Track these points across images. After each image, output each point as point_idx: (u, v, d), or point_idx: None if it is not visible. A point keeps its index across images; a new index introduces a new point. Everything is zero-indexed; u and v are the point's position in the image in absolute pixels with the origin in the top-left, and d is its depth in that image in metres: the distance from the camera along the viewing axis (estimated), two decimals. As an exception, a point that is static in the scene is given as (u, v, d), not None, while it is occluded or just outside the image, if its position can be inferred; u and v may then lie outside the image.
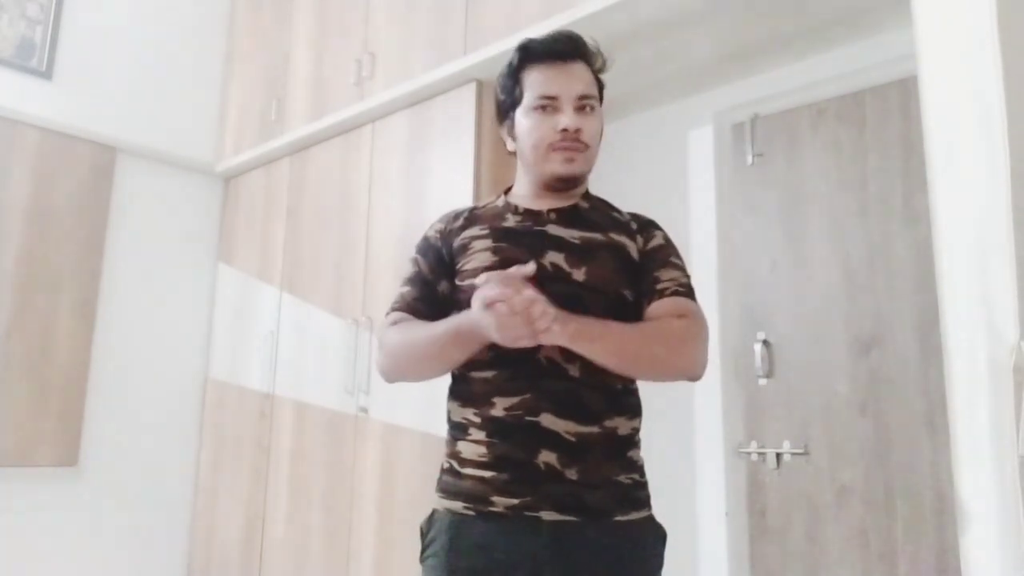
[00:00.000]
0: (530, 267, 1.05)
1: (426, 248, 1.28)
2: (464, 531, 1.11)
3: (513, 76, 1.24)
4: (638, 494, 1.15)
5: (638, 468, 1.17)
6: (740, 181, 2.36)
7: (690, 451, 2.30)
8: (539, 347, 1.11)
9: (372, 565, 2.26)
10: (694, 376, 1.17)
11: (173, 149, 3.16)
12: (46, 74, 2.81)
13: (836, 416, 2.05)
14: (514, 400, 1.11)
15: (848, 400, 2.04)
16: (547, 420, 1.09)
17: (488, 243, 1.20)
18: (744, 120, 2.36)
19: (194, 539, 3.10)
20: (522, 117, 1.22)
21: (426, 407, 2.18)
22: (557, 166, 1.20)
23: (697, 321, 1.16)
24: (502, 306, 1.00)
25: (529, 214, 1.23)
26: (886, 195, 2.06)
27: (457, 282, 1.21)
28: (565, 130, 1.17)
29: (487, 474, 1.11)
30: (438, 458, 1.21)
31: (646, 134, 2.59)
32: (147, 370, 3.06)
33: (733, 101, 2.37)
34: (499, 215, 1.25)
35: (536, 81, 1.21)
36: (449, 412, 1.21)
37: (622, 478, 1.13)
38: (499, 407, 1.12)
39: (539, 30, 1.32)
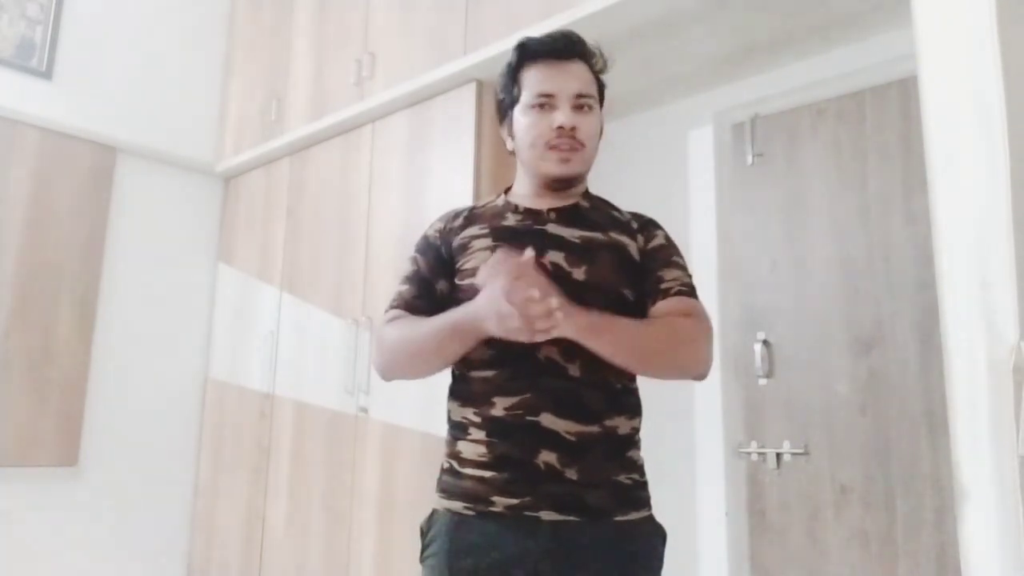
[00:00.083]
0: (528, 255, 1.05)
1: (425, 247, 1.28)
2: (464, 531, 1.11)
3: (512, 75, 1.25)
4: (638, 494, 1.15)
5: (638, 468, 1.17)
6: (740, 181, 2.36)
7: (690, 451, 2.30)
8: (539, 346, 1.11)
9: (372, 565, 2.26)
10: (700, 375, 1.17)
11: (173, 149, 3.16)
12: (46, 74, 2.81)
13: (836, 416, 2.05)
14: (514, 400, 1.11)
15: (848, 400, 2.04)
16: (547, 420, 1.09)
17: (488, 242, 1.20)
18: (744, 120, 2.36)
19: (194, 539, 3.10)
20: (519, 115, 1.23)
21: (426, 407, 2.18)
22: (552, 166, 1.20)
23: (703, 320, 1.17)
24: (503, 301, 1.00)
25: (529, 213, 1.23)
26: (886, 195, 2.06)
27: (457, 281, 1.21)
28: (561, 128, 1.17)
29: (487, 474, 1.11)
30: (438, 458, 1.21)
31: (646, 134, 2.59)
32: (147, 370, 3.06)
33: (733, 101, 2.37)
34: (499, 214, 1.25)
35: (533, 79, 1.21)
36: (449, 412, 1.21)
37: (622, 478, 1.13)
38: (499, 407, 1.12)
39: (539, 30, 1.32)
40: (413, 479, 2.19)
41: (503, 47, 2.04)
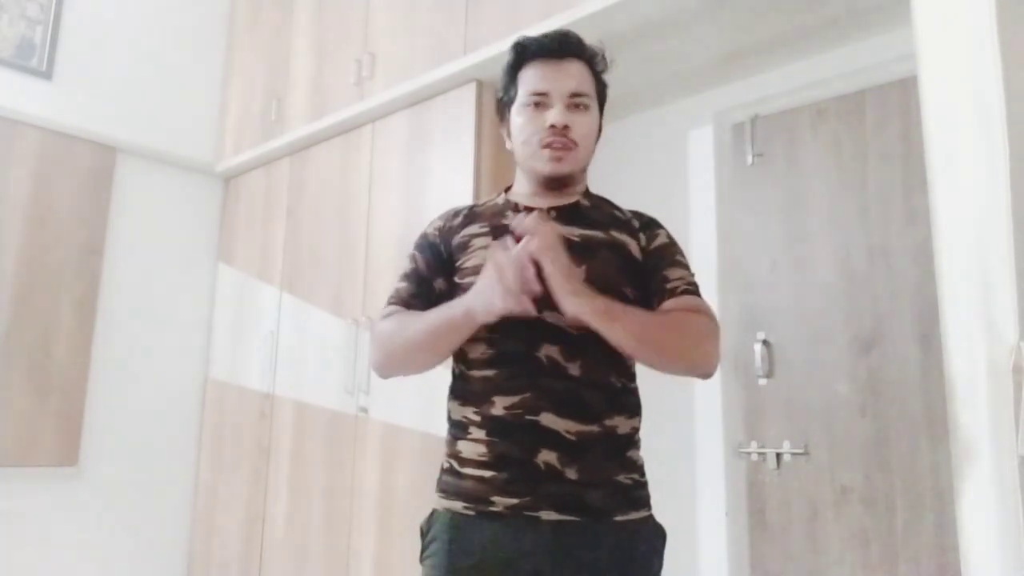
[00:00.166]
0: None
1: (424, 245, 1.28)
2: (464, 531, 1.10)
3: (510, 74, 1.25)
4: (638, 494, 1.15)
5: (638, 468, 1.17)
6: (740, 181, 2.36)
7: (690, 451, 2.30)
8: (539, 346, 1.11)
9: (372, 565, 2.26)
10: (707, 373, 1.17)
11: (173, 149, 3.16)
12: (46, 74, 2.81)
13: (836, 416, 2.05)
14: (514, 399, 1.11)
15: (848, 400, 2.04)
16: (547, 419, 1.09)
17: (488, 240, 1.20)
18: (744, 120, 2.36)
19: (194, 539, 3.10)
20: (515, 114, 1.23)
21: (426, 407, 2.18)
22: (544, 164, 1.20)
23: (713, 319, 1.17)
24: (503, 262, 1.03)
25: (530, 212, 1.23)
26: (886, 195, 2.06)
27: (456, 280, 1.21)
28: (553, 127, 1.17)
29: (487, 473, 1.11)
30: (438, 458, 1.21)
31: (646, 134, 2.59)
32: (147, 370, 3.06)
33: (733, 101, 2.37)
34: (499, 213, 1.25)
35: (529, 78, 1.21)
36: (449, 411, 1.21)
37: (622, 478, 1.13)
38: (499, 406, 1.12)
39: (539, 30, 1.32)
40: (413, 479, 2.19)
41: (503, 47, 2.02)
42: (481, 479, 1.11)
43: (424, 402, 2.18)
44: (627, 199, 1.34)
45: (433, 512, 1.17)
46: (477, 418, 1.14)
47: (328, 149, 2.79)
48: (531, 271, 1.04)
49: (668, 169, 2.50)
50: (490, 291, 1.05)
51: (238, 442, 2.95)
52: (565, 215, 1.22)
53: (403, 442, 2.25)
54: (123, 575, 2.91)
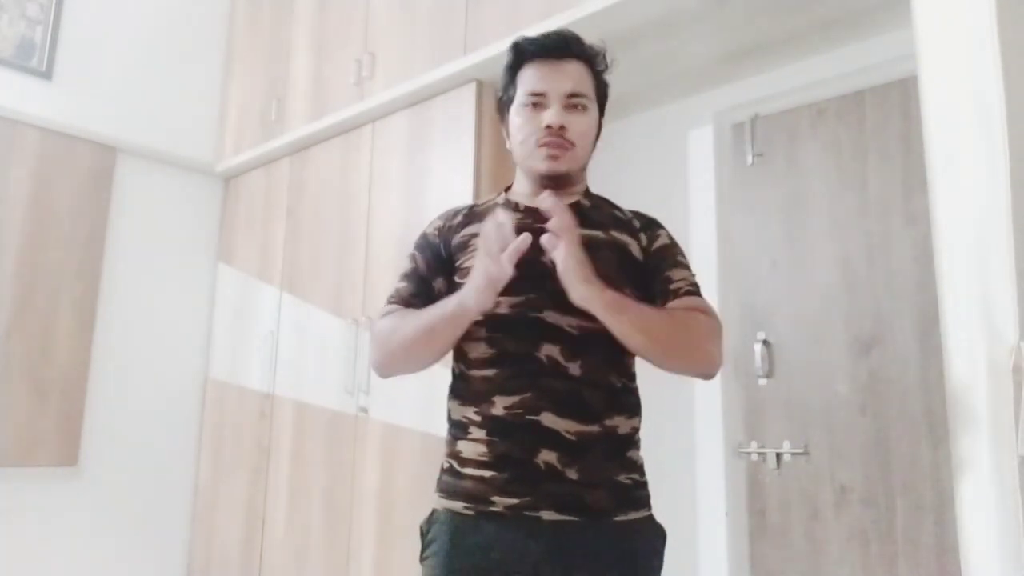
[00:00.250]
0: (524, 240, 1.05)
1: (424, 245, 1.28)
2: (464, 531, 1.11)
3: (509, 74, 1.25)
4: (638, 494, 1.15)
5: (638, 468, 1.17)
6: (740, 181, 2.36)
7: (690, 451, 2.30)
8: (540, 346, 1.11)
9: (372, 565, 2.26)
10: (710, 373, 1.17)
11: (173, 149, 3.16)
12: (46, 74, 2.81)
13: (836, 416, 2.05)
14: (514, 399, 1.11)
15: (848, 400, 2.04)
16: (547, 419, 1.10)
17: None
18: (744, 120, 2.36)
19: (194, 539, 3.10)
20: (514, 114, 1.23)
21: (426, 407, 2.18)
22: (540, 163, 1.20)
23: (716, 320, 1.17)
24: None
25: (530, 212, 1.23)
26: (886, 195, 2.06)
27: (456, 279, 1.21)
28: (549, 127, 1.18)
29: (487, 473, 1.11)
30: (438, 458, 1.21)
31: (646, 134, 2.59)
32: (147, 370, 3.06)
33: (733, 101, 2.37)
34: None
35: (528, 78, 1.22)
36: (449, 411, 1.21)
37: (622, 478, 1.13)
38: (499, 406, 1.12)
39: (539, 30, 1.32)
40: (413, 479, 2.19)
41: (503, 47, 2.01)
42: (481, 479, 1.11)
43: (424, 402, 2.18)
44: (627, 199, 1.34)
45: (433, 512, 1.17)
46: (477, 418, 1.14)
47: (328, 149, 2.79)
48: (525, 242, 1.04)
49: (668, 169, 2.50)
50: (477, 275, 1.06)
51: (238, 442, 2.95)
52: (565, 215, 1.22)
53: (403, 442, 2.25)
54: (123, 575, 2.91)
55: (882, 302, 2.02)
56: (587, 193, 1.29)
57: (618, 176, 2.40)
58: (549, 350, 1.12)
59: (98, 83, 2.94)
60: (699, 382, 2.15)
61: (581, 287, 1.04)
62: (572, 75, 1.21)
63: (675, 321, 1.13)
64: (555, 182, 1.23)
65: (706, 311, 1.17)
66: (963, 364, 1.12)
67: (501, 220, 1.05)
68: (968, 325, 1.11)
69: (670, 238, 1.26)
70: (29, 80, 2.77)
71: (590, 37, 1.26)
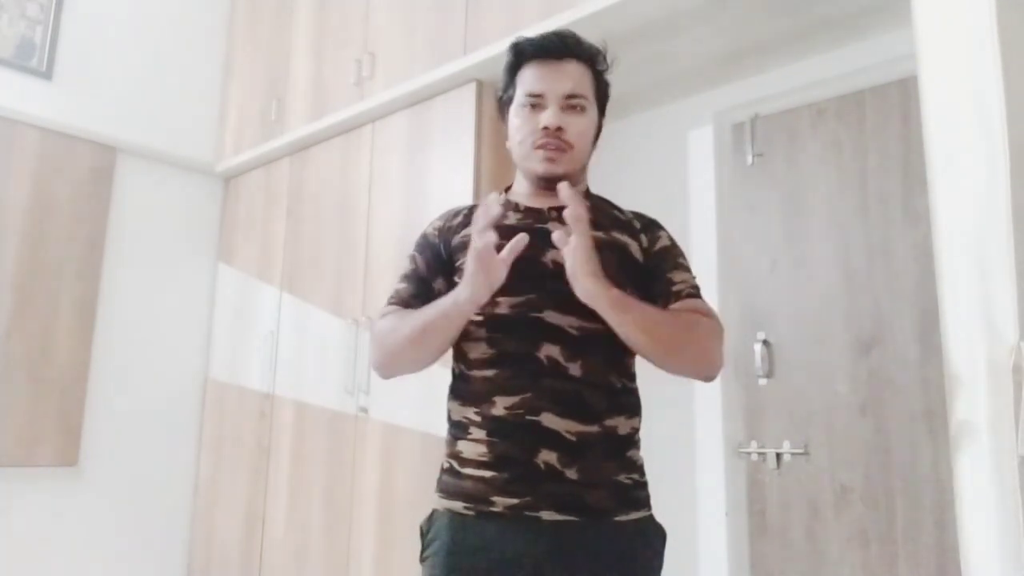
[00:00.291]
0: (522, 240, 1.05)
1: (424, 245, 1.28)
2: (464, 531, 1.10)
3: (509, 74, 1.25)
4: (638, 494, 1.15)
5: (638, 468, 1.17)
6: (740, 181, 2.36)
7: (690, 451, 2.30)
8: (540, 346, 1.11)
9: (372, 565, 2.26)
10: (710, 375, 1.17)
11: (173, 149, 3.16)
12: (46, 74, 2.81)
13: (836, 416, 2.05)
14: (515, 399, 1.11)
15: (848, 400, 2.04)
16: (547, 419, 1.09)
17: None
18: (744, 120, 2.36)
19: (194, 539, 3.10)
20: (513, 115, 1.23)
21: (426, 407, 2.18)
22: (538, 165, 1.20)
23: (718, 323, 1.18)
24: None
25: (530, 212, 1.23)
26: (886, 195, 2.06)
27: (456, 280, 1.21)
28: (546, 128, 1.18)
29: (487, 474, 1.11)
30: (438, 458, 1.21)
31: (646, 134, 2.59)
32: (147, 370, 3.06)
33: (733, 101, 2.37)
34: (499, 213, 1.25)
35: (526, 79, 1.22)
36: (449, 411, 1.21)
37: (622, 478, 1.13)
38: (500, 406, 1.12)
39: (539, 30, 1.31)
40: (413, 479, 2.19)
41: (503, 47, 2.01)
42: (481, 479, 1.11)
43: (424, 402, 2.18)
44: (627, 199, 1.34)
45: (433, 512, 1.17)
46: (477, 418, 1.14)
47: (328, 149, 2.79)
48: (522, 242, 1.05)
49: (668, 169, 2.50)
50: (467, 259, 1.06)
51: (238, 442, 2.95)
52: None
53: (403, 442, 2.25)
54: (123, 575, 2.91)
55: (882, 302, 2.02)
56: (587, 193, 1.28)
57: (618, 176, 2.40)
58: (549, 350, 1.11)
59: (98, 83, 2.94)
60: (699, 382, 2.15)
61: (588, 281, 1.04)
62: (571, 76, 1.21)
63: (678, 322, 1.14)
64: (553, 183, 1.22)
65: (708, 314, 1.17)
66: (963, 364, 1.11)
67: (491, 199, 1.05)
68: (968, 325, 1.11)
69: (671, 239, 1.26)
70: (29, 80, 2.77)
71: (590, 37, 1.26)
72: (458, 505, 1.12)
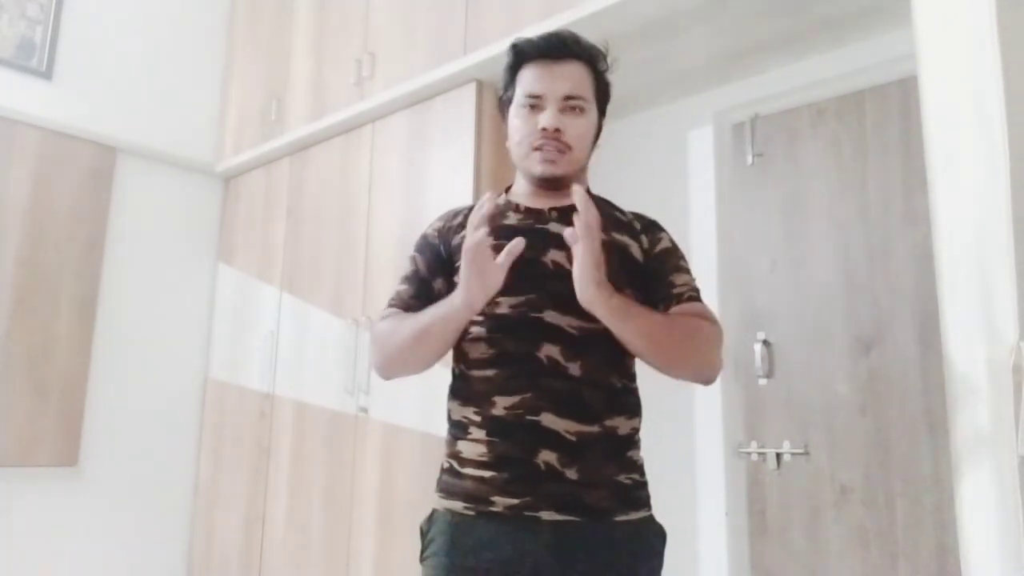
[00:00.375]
0: (519, 244, 1.05)
1: (424, 246, 1.28)
2: (464, 531, 1.11)
3: (509, 74, 1.25)
4: (638, 494, 1.15)
5: (638, 468, 1.17)
6: (740, 181, 2.36)
7: (690, 451, 2.30)
8: (540, 346, 1.11)
9: (372, 565, 2.26)
10: (710, 379, 1.17)
11: (173, 149, 3.16)
12: (46, 74, 2.81)
13: (836, 416, 2.05)
14: (515, 399, 1.11)
15: (848, 400, 2.04)
16: (547, 419, 1.10)
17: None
18: (744, 120, 2.36)
19: (194, 539, 3.10)
20: (512, 115, 1.23)
21: (426, 407, 2.18)
22: (536, 166, 1.20)
23: (718, 327, 1.18)
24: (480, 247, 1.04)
25: (530, 212, 1.23)
26: (886, 195, 2.06)
27: (456, 280, 1.21)
28: (544, 129, 1.17)
29: (487, 474, 1.11)
30: (438, 458, 1.21)
31: (646, 134, 2.59)
32: (147, 370, 3.06)
33: (733, 101, 2.37)
34: (500, 213, 1.25)
35: (525, 80, 1.22)
36: (449, 411, 1.21)
37: (622, 478, 1.13)
38: (499, 406, 1.12)
39: (539, 30, 1.31)
40: (413, 479, 2.19)
41: (503, 47, 2.02)
42: (481, 479, 1.11)
43: (424, 402, 2.18)
44: (627, 199, 1.34)
45: (433, 512, 1.17)
46: (477, 418, 1.14)
47: (328, 149, 2.79)
48: (519, 246, 1.04)
49: (668, 169, 2.50)
50: (464, 272, 1.06)
51: (238, 442, 2.95)
52: (566, 215, 1.21)
53: (403, 442, 2.25)
54: (123, 575, 2.91)
55: (882, 302, 2.02)
56: (587, 194, 1.28)
57: (618, 176, 2.40)
58: (549, 350, 1.12)
59: (98, 83, 2.94)
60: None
61: (591, 289, 1.04)
62: (570, 77, 1.20)
63: (678, 328, 1.14)
64: (553, 184, 1.22)
65: (708, 318, 1.17)
66: (963, 364, 1.12)
67: (485, 197, 1.05)
68: (968, 325, 1.11)
69: (671, 241, 1.26)
70: (29, 80, 2.77)
71: (590, 37, 1.26)
72: (458, 505, 1.12)
